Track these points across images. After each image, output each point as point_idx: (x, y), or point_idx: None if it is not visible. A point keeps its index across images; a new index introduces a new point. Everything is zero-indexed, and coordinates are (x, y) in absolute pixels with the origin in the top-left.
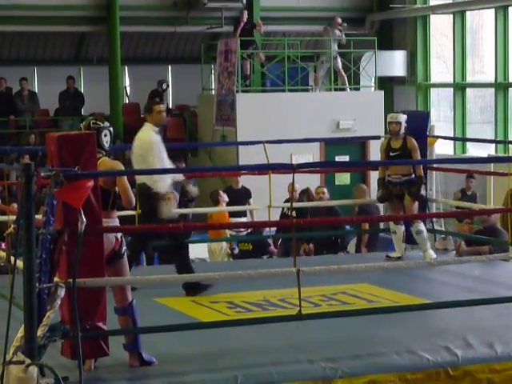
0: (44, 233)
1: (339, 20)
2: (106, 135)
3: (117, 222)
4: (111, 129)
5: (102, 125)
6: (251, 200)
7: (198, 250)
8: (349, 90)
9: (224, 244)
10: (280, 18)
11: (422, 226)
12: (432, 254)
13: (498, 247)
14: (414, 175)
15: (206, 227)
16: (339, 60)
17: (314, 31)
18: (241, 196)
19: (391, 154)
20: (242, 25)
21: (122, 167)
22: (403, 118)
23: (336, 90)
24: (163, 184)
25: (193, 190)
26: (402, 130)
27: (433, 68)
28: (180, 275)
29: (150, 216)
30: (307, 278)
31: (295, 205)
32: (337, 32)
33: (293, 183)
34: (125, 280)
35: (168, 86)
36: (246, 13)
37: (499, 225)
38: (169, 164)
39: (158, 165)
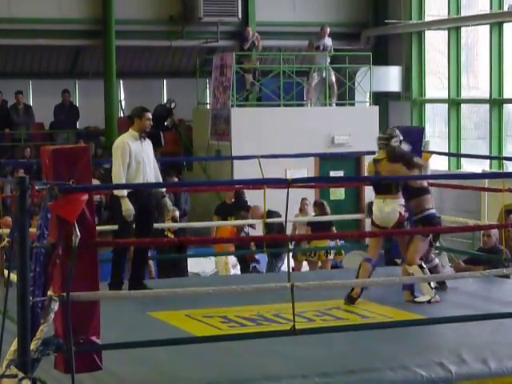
0: (38, 246)
1: (327, 29)
2: (396, 141)
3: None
4: (401, 137)
5: (394, 133)
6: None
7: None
8: (335, 104)
9: (230, 258)
10: (275, 33)
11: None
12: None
13: (497, 266)
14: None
15: (200, 241)
16: (333, 73)
17: None
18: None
19: None
20: (250, 42)
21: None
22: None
23: (331, 105)
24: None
25: (168, 203)
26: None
27: (428, 84)
28: (173, 290)
29: (119, 223)
30: (301, 293)
31: (294, 220)
32: (327, 42)
33: (287, 198)
34: (117, 294)
35: (176, 104)
36: (250, 29)
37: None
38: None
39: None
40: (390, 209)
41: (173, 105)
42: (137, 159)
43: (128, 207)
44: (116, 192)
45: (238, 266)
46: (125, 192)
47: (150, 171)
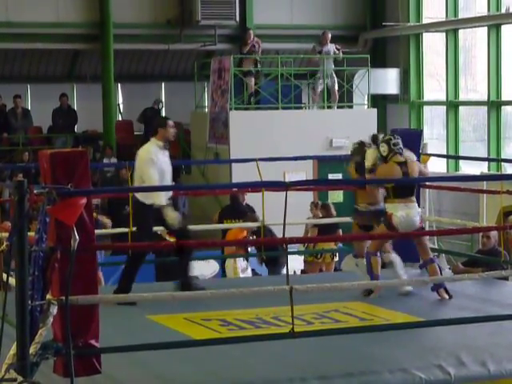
0: (37, 250)
1: (329, 35)
2: (382, 146)
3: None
4: (393, 141)
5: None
6: None
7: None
8: (336, 108)
9: (239, 262)
10: (273, 36)
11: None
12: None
13: (496, 268)
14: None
15: (200, 245)
16: (335, 79)
17: (307, 49)
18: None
19: None
20: (249, 45)
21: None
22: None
23: (329, 107)
24: (159, 198)
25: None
26: None
27: (426, 86)
28: (172, 293)
29: (142, 230)
30: (300, 296)
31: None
32: (330, 48)
33: (285, 201)
34: (116, 298)
35: (163, 105)
36: (251, 32)
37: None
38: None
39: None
40: (415, 212)
41: (160, 105)
42: (162, 169)
43: (174, 215)
44: (156, 204)
45: (249, 270)
46: (164, 201)
47: (170, 181)
